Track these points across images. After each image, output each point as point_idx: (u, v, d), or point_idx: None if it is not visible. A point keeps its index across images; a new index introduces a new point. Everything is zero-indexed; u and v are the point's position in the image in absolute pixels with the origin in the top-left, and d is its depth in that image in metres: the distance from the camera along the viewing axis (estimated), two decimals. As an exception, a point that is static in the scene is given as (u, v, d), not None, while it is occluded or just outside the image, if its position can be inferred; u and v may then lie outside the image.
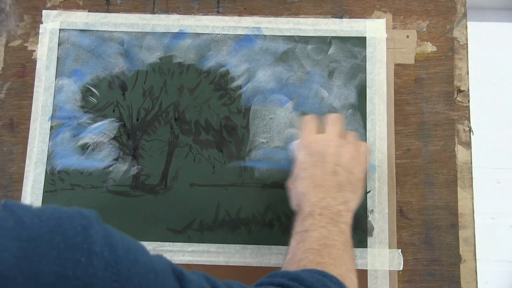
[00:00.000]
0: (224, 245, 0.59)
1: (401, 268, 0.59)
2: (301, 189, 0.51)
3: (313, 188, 0.50)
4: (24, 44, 0.65)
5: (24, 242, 0.28)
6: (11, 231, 0.28)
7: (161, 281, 0.32)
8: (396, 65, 0.64)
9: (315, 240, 0.46)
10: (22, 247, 0.27)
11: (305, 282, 0.40)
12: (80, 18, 0.65)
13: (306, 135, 0.54)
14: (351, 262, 0.47)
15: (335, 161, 0.51)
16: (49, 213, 0.30)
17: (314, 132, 0.54)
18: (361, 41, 0.64)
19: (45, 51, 0.64)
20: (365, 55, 0.63)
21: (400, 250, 0.59)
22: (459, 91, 0.63)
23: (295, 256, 0.46)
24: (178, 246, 0.59)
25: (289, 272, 0.42)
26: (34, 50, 0.64)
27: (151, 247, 0.59)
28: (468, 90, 0.63)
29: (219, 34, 0.64)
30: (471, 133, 0.62)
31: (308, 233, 0.47)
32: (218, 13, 0.65)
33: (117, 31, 0.64)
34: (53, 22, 0.65)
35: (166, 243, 0.59)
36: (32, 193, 0.60)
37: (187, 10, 0.66)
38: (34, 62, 0.64)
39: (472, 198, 0.61)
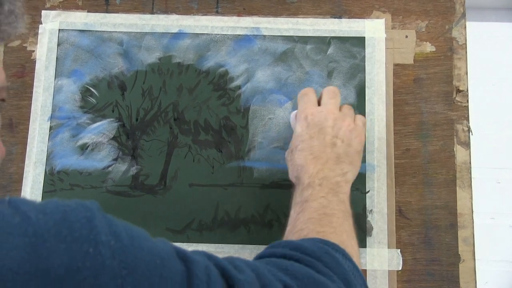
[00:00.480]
0: (224, 245, 0.59)
1: (400, 268, 0.59)
2: (300, 161, 0.51)
3: (312, 160, 0.50)
4: (23, 45, 0.65)
5: (32, 238, 0.28)
6: (18, 228, 0.28)
7: (167, 265, 0.32)
8: (395, 65, 0.64)
9: (315, 210, 0.46)
10: (31, 243, 0.28)
11: (306, 250, 0.40)
12: (79, 19, 0.65)
13: (304, 107, 0.53)
14: (351, 230, 0.47)
15: (333, 133, 0.51)
16: (53, 207, 0.31)
17: (313, 104, 0.54)
18: (360, 41, 0.64)
19: (44, 51, 0.64)
20: (364, 55, 0.63)
21: (399, 250, 0.59)
22: (458, 91, 0.63)
23: (295, 227, 0.47)
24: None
25: (290, 242, 0.42)
26: (33, 51, 0.64)
27: (150, 247, 0.59)
28: (467, 90, 0.63)
29: (218, 34, 0.64)
30: (470, 133, 0.62)
31: (307, 203, 0.47)
32: (217, 13, 0.66)
33: (116, 31, 0.64)
34: (52, 22, 0.65)
35: (165, 243, 0.59)
36: (31, 193, 0.60)
37: (186, 10, 0.66)
38: (33, 62, 0.64)
39: (471, 198, 0.61)
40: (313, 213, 0.46)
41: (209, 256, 0.36)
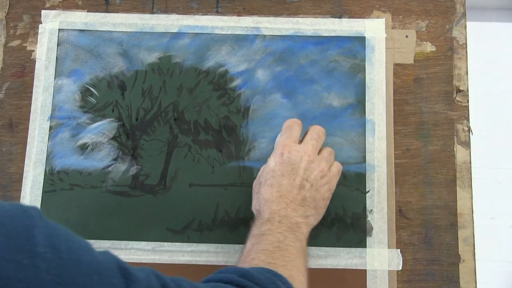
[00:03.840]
0: (224, 245, 0.59)
1: (400, 268, 0.59)
2: (266, 196, 0.52)
3: (277, 198, 0.51)
4: (23, 44, 0.65)
5: None
6: None
7: (105, 281, 0.31)
8: (395, 65, 0.64)
9: (270, 243, 0.47)
10: None
11: (254, 278, 0.40)
12: (79, 18, 0.65)
13: (284, 143, 0.54)
14: (303, 267, 0.48)
15: (304, 176, 0.52)
16: None
17: (293, 140, 0.54)
18: (360, 41, 0.64)
19: (44, 51, 0.64)
20: (364, 55, 0.63)
21: (399, 250, 0.59)
22: (458, 90, 0.63)
23: (248, 256, 0.47)
24: (177, 246, 0.59)
25: (239, 269, 0.42)
26: (33, 50, 0.64)
27: (150, 247, 0.59)
28: (467, 90, 0.63)
29: (218, 34, 0.64)
30: (471, 133, 0.62)
31: (264, 237, 0.48)
32: (217, 13, 0.65)
33: (116, 31, 0.64)
34: (52, 22, 0.65)
35: (165, 243, 0.59)
36: (31, 193, 0.60)
37: (187, 10, 0.66)
38: (33, 62, 0.64)
39: (472, 198, 0.61)
40: (267, 245, 0.47)
41: (158, 276, 0.36)
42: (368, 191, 0.60)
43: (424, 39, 0.64)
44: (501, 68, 1.26)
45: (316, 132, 0.55)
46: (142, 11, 0.65)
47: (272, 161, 0.53)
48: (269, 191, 0.51)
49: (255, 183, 0.55)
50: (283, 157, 0.53)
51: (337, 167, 0.55)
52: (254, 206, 0.53)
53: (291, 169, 0.52)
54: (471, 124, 0.62)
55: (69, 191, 0.60)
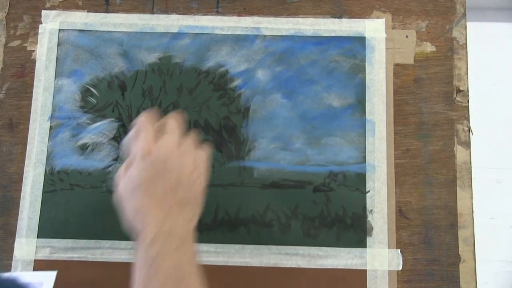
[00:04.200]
0: (224, 245, 0.59)
1: (400, 268, 0.59)
2: (141, 207, 0.44)
3: (155, 206, 0.44)
4: (24, 44, 0.65)
5: None
6: None
7: None
8: (395, 65, 0.64)
9: (167, 275, 0.41)
10: None
11: None
12: (80, 18, 0.65)
13: (145, 142, 0.46)
14: None
15: (177, 174, 0.46)
16: None
17: (151, 141, 0.47)
18: (360, 41, 0.64)
19: (44, 51, 0.64)
20: (364, 55, 0.63)
21: (399, 250, 0.59)
22: (459, 91, 0.63)
23: None
24: (177, 246, 0.59)
25: None
26: (34, 50, 0.64)
27: (151, 247, 0.59)
28: (468, 90, 0.63)
29: (219, 34, 0.64)
30: (471, 133, 0.62)
31: (157, 262, 0.41)
32: (218, 13, 0.66)
33: (116, 31, 0.64)
34: (52, 22, 0.65)
35: (166, 243, 0.59)
36: (31, 193, 0.60)
37: (187, 10, 0.66)
38: (33, 62, 0.64)
39: (472, 198, 0.61)
40: (164, 278, 0.41)
41: None
42: (368, 191, 0.60)
43: (424, 39, 0.64)
44: (501, 68, 1.26)
45: (172, 124, 0.49)
46: (142, 11, 0.66)
47: (135, 169, 0.46)
48: (144, 201, 0.44)
49: (117, 196, 0.47)
50: (150, 159, 0.46)
51: (203, 154, 0.50)
52: (129, 221, 0.45)
53: (162, 170, 0.46)
54: (471, 124, 0.62)
55: (69, 191, 0.60)
